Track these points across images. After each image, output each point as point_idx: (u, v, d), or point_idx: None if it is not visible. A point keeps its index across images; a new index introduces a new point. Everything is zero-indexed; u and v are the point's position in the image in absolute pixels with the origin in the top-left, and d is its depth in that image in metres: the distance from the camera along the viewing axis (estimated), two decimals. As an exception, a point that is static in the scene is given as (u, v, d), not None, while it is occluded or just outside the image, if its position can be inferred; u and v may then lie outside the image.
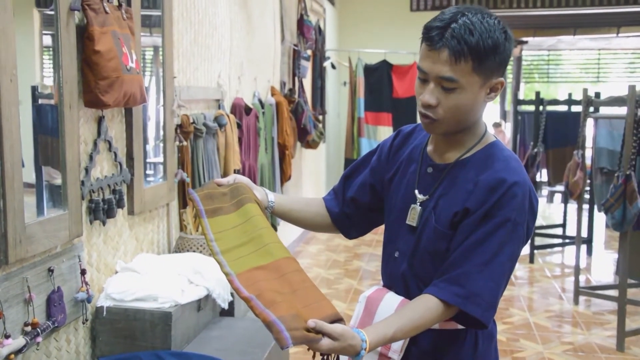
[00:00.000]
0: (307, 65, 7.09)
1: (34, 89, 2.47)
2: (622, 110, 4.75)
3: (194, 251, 3.39)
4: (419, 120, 1.73)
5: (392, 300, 1.76)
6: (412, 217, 1.71)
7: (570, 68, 13.88)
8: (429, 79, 1.56)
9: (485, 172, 1.62)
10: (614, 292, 5.16)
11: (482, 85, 1.57)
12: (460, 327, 1.69)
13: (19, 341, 2.18)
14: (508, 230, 1.57)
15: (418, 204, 1.71)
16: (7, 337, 2.16)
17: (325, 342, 1.46)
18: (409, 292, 1.73)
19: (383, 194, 1.88)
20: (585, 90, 5.47)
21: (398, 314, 1.60)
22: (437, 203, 1.67)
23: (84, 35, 2.58)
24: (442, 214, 1.65)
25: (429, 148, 1.76)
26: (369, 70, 8.59)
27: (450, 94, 1.55)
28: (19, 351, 2.19)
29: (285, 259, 1.62)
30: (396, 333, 1.53)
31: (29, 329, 2.27)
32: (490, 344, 1.78)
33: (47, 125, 2.54)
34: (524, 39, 10.55)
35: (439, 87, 1.55)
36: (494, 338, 1.80)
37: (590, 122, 5.56)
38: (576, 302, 5.63)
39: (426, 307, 1.57)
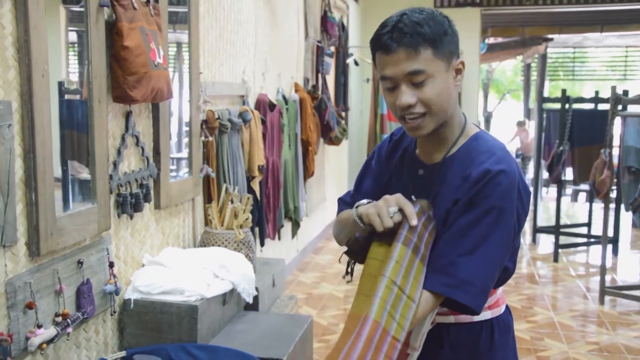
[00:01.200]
0: (331, 62, 7.09)
1: (60, 84, 2.51)
2: (650, 108, 4.73)
3: (219, 245, 3.42)
4: None
5: None
6: None
7: (596, 65, 13.76)
8: (398, 82, 1.57)
9: (470, 167, 1.61)
10: (639, 292, 5.14)
11: (446, 69, 1.58)
12: (476, 320, 1.69)
13: (50, 331, 2.23)
14: (494, 218, 1.56)
15: None
16: (39, 327, 2.20)
17: None
18: None
19: None
20: (613, 88, 5.43)
21: None
22: (433, 204, 1.66)
23: (112, 31, 2.62)
24: (437, 213, 1.64)
25: (418, 150, 1.76)
26: (392, 66, 8.56)
27: (423, 87, 1.56)
28: (50, 341, 2.23)
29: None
30: None
31: (59, 319, 2.31)
32: (508, 335, 1.77)
33: (73, 120, 2.58)
34: (549, 36, 10.46)
35: (410, 85, 1.56)
36: (510, 329, 1.79)
37: (618, 121, 5.51)
38: (602, 301, 5.60)
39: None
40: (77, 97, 2.63)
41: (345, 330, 1.48)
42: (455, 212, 1.58)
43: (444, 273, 1.54)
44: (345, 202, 1.91)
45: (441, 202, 1.63)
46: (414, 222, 1.50)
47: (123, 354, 2.61)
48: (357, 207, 1.61)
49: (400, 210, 1.52)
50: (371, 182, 1.87)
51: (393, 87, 1.60)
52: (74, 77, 2.68)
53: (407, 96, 1.57)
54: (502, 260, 1.61)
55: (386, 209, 1.51)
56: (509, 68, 18.06)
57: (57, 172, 2.41)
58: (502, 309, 1.77)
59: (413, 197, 1.66)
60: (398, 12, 1.62)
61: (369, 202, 1.60)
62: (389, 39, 1.55)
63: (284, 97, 5.44)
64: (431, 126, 1.62)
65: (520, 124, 12.49)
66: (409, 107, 1.57)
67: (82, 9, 2.49)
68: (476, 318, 1.69)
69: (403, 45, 1.53)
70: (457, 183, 1.62)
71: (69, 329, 2.34)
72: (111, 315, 2.77)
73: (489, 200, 1.56)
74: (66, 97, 2.58)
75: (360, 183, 1.90)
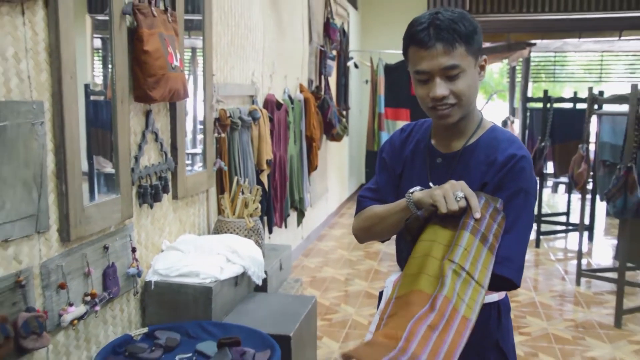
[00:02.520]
0: (333, 65, 7.10)
1: (86, 86, 2.51)
2: (624, 108, 4.72)
3: (231, 233, 3.43)
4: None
5: None
6: None
7: (574, 69, 13.72)
8: (433, 75, 1.56)
9: (495, 153, 1.62)
10: (612, 275, 5.16)
11: (475, 65, 1.59)
12: (486, 301, 1.68)
13: (80, 309, 2.24)
14: (522, 199, 1.56)
15: None
16: (70, 305, 2.22)
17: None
18: None
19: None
20: (590, 89, 5.43)
21: None
22: None
23: (134, 36, 2.63)
24: None
25: (433, 141, 1.75)
26: (389, 69, 8.56)
27: (456, 80, 1.55)
28: (80, 317, 2.25)
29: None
30: None
31: (88, 298, 2.33)
32: (509, 316, 1.78)
33: (98, 119, 2.59)
34: (533, 41, 10.44)
35: (444, 78, 1.55)
36: (510, 310, 1.80)
37: (594, 119, 5.51)
38: (578, 283, 5.61)
39: None
40: (102, 98, 2.63)
41: (405, 302, 1.43)
42: (482, 192, 1.56)
43: None
44: (369, 198, 1.85)
45: None
46: (477, 215, 1.46)
47: (145, 330, 2.63)
48: (411, 193, 1.58)
49: (466, 199, 1.48)
50: (386, 175, 1.84)
51: (426, 79, 1.59)
52: (99, 80, 2.69)
53: (441, 88, 1.56)
54: (529, 239, 1.61)
55: (452, 192, 1.47)
56: (495, 71, 18.06)
57: (84, 166, 2.42)
58: (504, 293, 1.77)
59: (431, 183, 1.64)
60: (430, 10, 1.60)
61: (423, 189, 1.58)
62: (427, 35, 1.54)
63: (290, 97, 5.45)
64: (458, 116, 1.62)
65: (505, 123, 12.46)
66: (442, 98, 1.57)
67: (107, 17, 2.50)
68: (486, 300, 1.67)
69: (441, 41, 1.53)
70: (483, 168, 1.62)
71: (97, 307, 2.36)
72: (134, 295, 2.79)
73: (516, 183, 1.57)
74: (92, 98, 2.58)
75: (378, 178, 1.87)
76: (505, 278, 1.52)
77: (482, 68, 1.63)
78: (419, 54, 1.57)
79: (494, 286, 1.58)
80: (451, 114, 1.61)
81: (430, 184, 1.64)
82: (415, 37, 1.56)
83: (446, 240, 1.48)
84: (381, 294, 1.88)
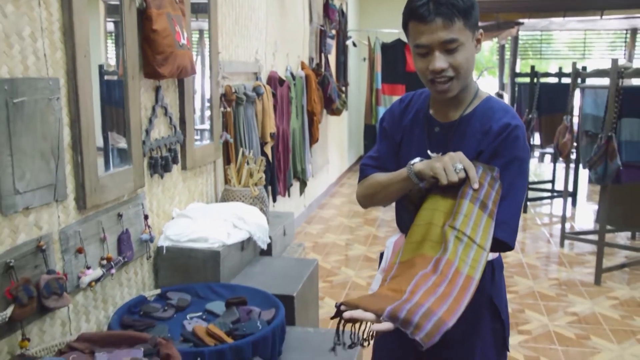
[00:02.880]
0: (332, 44, 7.04)
1: (100, 67, 2.50)
2: (606, 82, 4.70)
3: (237, 201, 3.43)
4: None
5: None
6: None
7: (560, 46, 13.63)
8: (432, 49, 1.53)
9: (490, 122, 1.60)
10: (594, 237, 5.17)
11: (472, 38, 1.55)
12: None
13: (97, 272, 2.25)
14: (516, 167, 1.55)
15: None
16: (88, 268, 2.23)
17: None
18: None
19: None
20: (574, 64, 5.40)
21: None
22: None
23: (143, 16, 2.60)
24: None
25: (432, 111, 1.72)
26: (385, 47, 8.50)
27: (455, 53, 1.52)
28: (97, 280, 2.26)
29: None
30: None
31: (104, 262, 2.34)
32: (502, 273, 1.78)
33: (112, 97, 2.57)
34: (521, 20, 10.35)
35: (443, 51, 1.52)
36: (503, 268, 1.79)
37: (578, 92, 5.49)
38: (562, 245, 5.64)
39: None
40: (115, 77, 2.61)
41: (409, 265, 1.43)
42: (480, 162, 1.55)
43: None
44: (371, 166, 1.83)
45: (462, 153, 1.59)
46: (475, 185, 1.46)
47: (158, 291, 2.64)
48: (412, 164, 1.56)
49: (465, 170, 1.47)
50: (387, 143, 1.81)
51: (425, 53, 1.55)
52: (112, 61, 2.66)
53: (440, 61, 1.53)
54: (523, 204, 1.60)
55: (451, 164, 1.46)
56: (486, 49, 17.93)
57: (99, 141, 2.41)
58: (497, 253, 1.75)
59: (429, 151, 1.63)
60: None
61: (422, 160, 1.56)
62: (426, 10, 1.50)
63: (292, 74, 5.41)
64: (457, 89, 1.59)
65: (499, 96, 12.42)
66: (441, 71, 1.54)
67: (118, 1, 2.47)
68: None
69: (440, 16, 1.49)
70: (478, 137, 1.60)
71: (113, 270, 2.37)
72: (147, 259, 2.80)
73: (510, 151, 1.55)
74: (105, 77, 2.56)
75: (379, 146, 1.84)
76: (501, 241, 1.52)
77: (479, 42, 1.59)
78: (418, 28, 1.53)
79: (490, 248, 1.59)
80: (450, 89, 1.58)
81: (429, 152, 1.62)
82: (415, 12, 1.52)
83: (447, 208, 1.48)
84: (382, 254, 1.87)
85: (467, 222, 1.43)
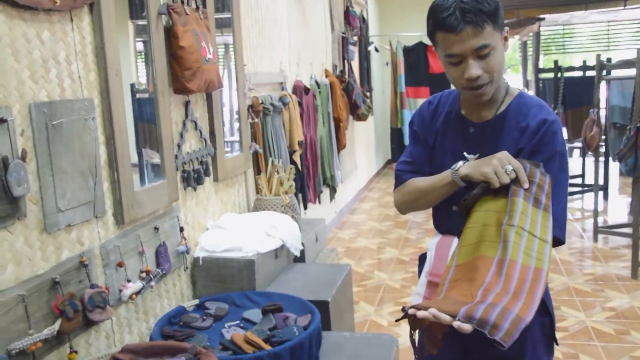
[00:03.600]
0: (354, 50, 7.07)
1: (132, 86, 2.56)
2: (632, 72, 4.65)
3: (268, 210, 3.47)
4: None
5: None
6: None
7: (583, 40, 13.46)
8: (465, 57, 1.51)
9: (526, 118, 1.59)
10: (628, 230, 5.10)
11: (501, 38, 1.54)
12: None
13: (137, 284, 2.30)
14: (558, 162, 1.55)
15: None
16: (128, 281, 2.28)
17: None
18: None
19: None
20: (598, 56, 5.34)
21: None
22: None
23: (170, 34, 2.66)
24: None
25: (464, 111, 1.70)
26: (407, 51, 8.51)
27: (488, 57, 1.51)
28: (138, 292, 2.31)
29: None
30: None
31: (144, 275, 2.39)
32: None
33: (144, 114, 2.63)
34: (542, 16, 10.27)
35: (476, 58, 1.51)
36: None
37: (603, 84, 5.44)
38: (595, 239, 5.57)
39: None
40: (146, 95, 2.67)
41: (470, 267, 1.42)
42: (524, 159, 1.54)
43: None
44: (407, 172, 1.79)
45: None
46: (526, 185, 1.45)
47: (196, 301, 2.69)
48: (456, 169, 1.55)
49: (514, 170, 1.46)
50: (420, 147, 1.79)
51: (459, 62, 1.53)
52: (143, 80, 2.73)
53: (475, 69, 1.51)
54: (567, 197, 1.59)
55: (501, 166, 1.46)
56: (508, 47, 17.88)
57: (134, 158, 2.46)
58: None
59: (465, 153, 1.63)
60: None
61: (465, 163, 1.55)
62: (455, 19, 1.47)
63: (317, 82, 5.45)
64: (492, 91, 1.58)
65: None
66: (477, 78, 1.53)
67: (145, 22, 2.54)
68: None
69: (470, 24, 1.46)
70: (515, 134, 1.59)
71: (152, 283, 2.41)
72: (184, 270, 2.84)
73: (550, 147, 1.55)
74: (137, 95, 2.62)
75: (412, 150, 1.81)
76: (553, 236, 1.50)
77: (506, 39, 1.58)
78: (449, 39, 1.50)
79: None
80: (486, 92, 1.57)
81: (465, 154, 1.62)
82: (443, 22, 1.49)
83: (499, 208, 1.48)
84: (422, 257, 1.85)
85: (524, 218, 1.42)
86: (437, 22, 1.52)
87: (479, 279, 1.37)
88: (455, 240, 1.68)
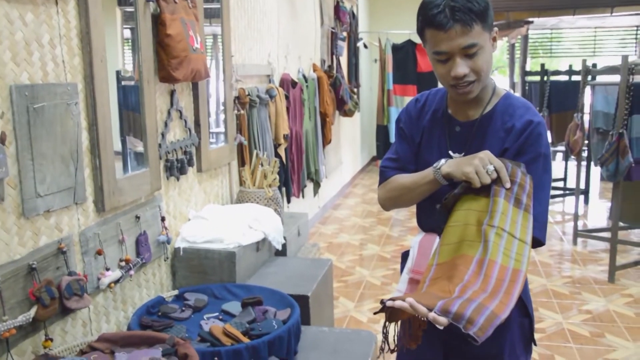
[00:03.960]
0: (343, 45, 7.05)
1: (118, 73, 2.52)
2: (616, 78, 4.68)
3: (251, 202, 3.45)
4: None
5: None
6: None
7: (570, 44, 13.55)
8: (452, 55, 1.51)
9: (512, 119, 1.59)
10: (606, 234, 5.14)
11: (489, 38, 1.54)
12: None
13: (116, 273, 2.27)
14: (542, 163, 1.55)
15: None
16: (107, 269, 2.25)
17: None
18: None
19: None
20: (584, 62, 5.37)
21: None
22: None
23: (157, 22, 2.63)
24: None
25: (450, 110, 1.70)
26: (396, 48, 8.51)
27: (475, 57, 1.51)
28: (117, 281, 2.28)
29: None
30: None
31: (123, 264, 2.36)
32: (526, 280, 1.77)
33: (129, 102, 2.59)
34: (530, 19, 10.32)
35: (463, 56, 1.51)
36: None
37: (588, 89, 5.47)
38: (575, 242, 5.61)
39: None
40: (132, 82, 2.64)
41: (450, 266, 1.43)
42: (505, 159, 1.54)
43: None
44: (391, 168, 1.80)
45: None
46: (507, 185, 1.46)
47: (176, 292, 2.67)
48: (438, 167, 1.55)
49: (495, 170, 1.47)
50: (406, 144, 1.79)
51: (446, 59, 1.53)
52: (129, 67, 2.69)
53: (462, 67, 1.51)
54: (549, 199, 1.59)
55: (482, 166, 1.46)
56: (497, 47, 17.96)
57: (118, 145, 2.43)
58: None
59: (450, 151, 1.63)
60: None
61: (447, 160, 1.55)
62: (444, 17, 1.47)
63: (304, 76, 5.43)
64: (478, 90, 1.58)
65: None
66: (464, 76, 1.53)
67: (133, 9, 2.50)
68: None
69: (458, 22, 1.46)
70: (501, 134, 1.59)
71: (131, 272, 2.39)
72: (165, 260, 2.82)
73: (535, 148, 1.55)
74: (123, 83, 2.59)
75: (397, 148, 1.81)
76: (533, 236, 1.50)
77: (495, 40, 1.58)
78: (437, 36, 1.50)
79: None
80: (472, 90, 1.57)
81: (450, 152, 1.62)
82: (432, 19, 1.49)
83: (480, 207, 1.48)
84: (405, 254, 1.85)
85: (504, 219, 1.43)
86: (426, 19, 1.52)
87: (458, 276, 1.38)
88: (438, 238, 1.68)
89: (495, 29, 1.57)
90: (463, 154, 1.63)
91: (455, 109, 1.70)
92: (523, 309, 1.70)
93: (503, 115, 1.62)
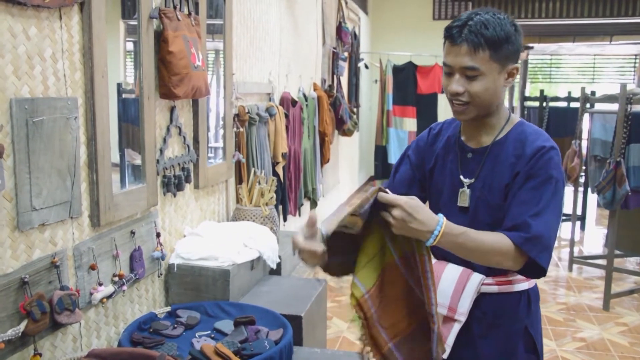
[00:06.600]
0: (344, 65, 7.07)
1: (119, 85, 2.53)
2: (614, 107, 4.69)
3: (248, 220, 3.44)
4: (440, 113, 1.74)
5: (453, 270, 1.72)
6: (463, 199, 1.67)
7: (569, 71, 13.62)
8: (454, 71, 1.55)
9: (523, 146, 1.59)
10: (602, 261, 5.13)
11: (500, 71, 1.54)
12: (516, 290, 1.67)
13: (109, 288, 2.26)
14: (552, 186, 1.54)
15: (466, 187, 1.67)
16: (100, 284, 2.24)
17: (398, 213, 1.43)
18: (466, 263, 1.68)
19: (426, 184, 1.81)
20: (583, 89, 5.40)
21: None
22: (484, 182, 1.63)
23: (160, 38, 2.63)
24: (493, 189, 1.61)
25: (463, 137, 1.72)
26: (396, 70, 8.54)
27: (474, 81, 1.53)
28: (109, 296, 2.26)
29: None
30: (467, 233, 1.48)
31: (116, 279, 2.35)
32: (538, 304, 1.75)
33: (129, 115, 2.59)
34: (530, 44, 10.42)
35: (463, 76, 1.53)
36: (539, 298, 1.76)
37: (586, 117, 5.49)
38: (570, 269, 5.60)
39: (497, 235, 1.52)
40: (132, 95, 2.64)
41: (383, 283, 1.60)
42: (517, 182, 1.56)
43: (518, 230, 1.51)
44: (388, 186, 1.82)
45: (495, 179, 1.61)
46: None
47: (168, 309, 2.65)
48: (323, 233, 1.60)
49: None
50: (407, 168, 1.82)
51: (450, 72, 1.57)
52: (130, 80, 2.70)
53: (457, 85, 1.55)
54: (559, 225, 1.58)
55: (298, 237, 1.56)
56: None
57: (116, 158, 2.43)
58: (534, 282, 1.73)
59: (461, 177, 1.66)
60: (475, 9, 1.56)
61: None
62: (457, 32, 1.52)
63: (304, 95, 5.44)
64: (472, 114, 1.59)
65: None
66: (456, 94, 1.55)
67: (136, 23, 2.51)
68: (515, 288, 1.67)
69: (465, 42, 1.50)
70: (512, 160, 1.60)
71: (124, 287, 2.37)
72: (158, 277, 2.80)
73: (545, 171, 1.55)
74: (123, 96, 2.59)
75: (395, 173, 1.85)
76: (533, 261, 1.50)
77: (511, 75, 1.59)
78: (448, 48, 1.56)
79: (521, 271, 1.56)
80: (464, 112, 1.59)
81: (461, 178, 1.65)
82: (449, 31, 1.55)
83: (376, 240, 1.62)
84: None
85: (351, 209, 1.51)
86: (447, 29, 1.57)
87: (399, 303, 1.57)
88: (448, 265, 1.74)
89: (515, 65, 1.58)
90: (474, 180, 1.64)
91: (467, 136, 1.72)
92: (530, 344, 1.69)
93: (515, 142, 1.63)
